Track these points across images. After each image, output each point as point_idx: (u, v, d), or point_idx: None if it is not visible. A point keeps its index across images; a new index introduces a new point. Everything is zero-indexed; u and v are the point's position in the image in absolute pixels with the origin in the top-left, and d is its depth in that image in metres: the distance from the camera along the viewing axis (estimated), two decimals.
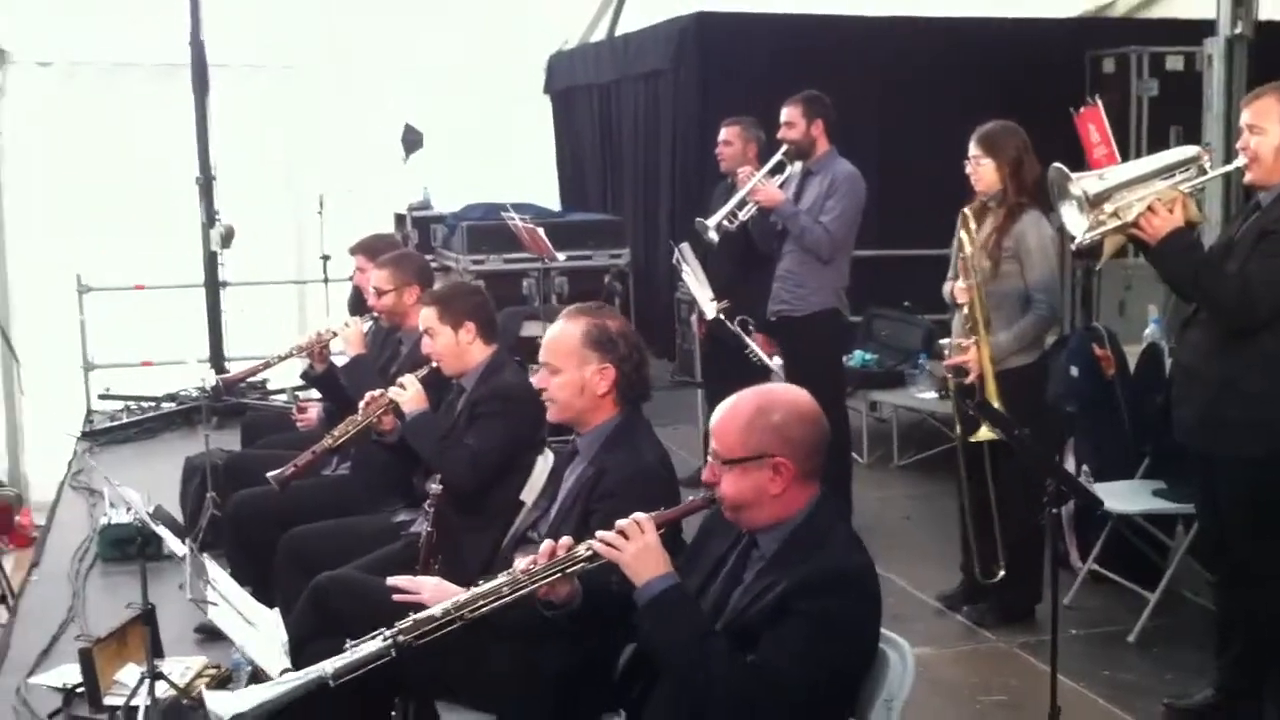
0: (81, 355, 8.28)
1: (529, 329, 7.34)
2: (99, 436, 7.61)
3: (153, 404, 8.09)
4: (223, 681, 4.23)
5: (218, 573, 3.12)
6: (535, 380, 3.29)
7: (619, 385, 3.23)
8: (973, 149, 4.88)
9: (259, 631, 2.85)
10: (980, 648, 4.88)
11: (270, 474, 4.11)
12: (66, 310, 8.47)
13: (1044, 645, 4.24)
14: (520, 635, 2.96)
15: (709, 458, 2.67)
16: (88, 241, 9.73)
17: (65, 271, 8.61)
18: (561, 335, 3.26)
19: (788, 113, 5.86)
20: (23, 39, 10.23)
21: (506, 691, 3.10)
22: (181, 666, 4.16)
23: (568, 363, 3.22)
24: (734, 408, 2.66)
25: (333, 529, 4.20)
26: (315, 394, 5.57)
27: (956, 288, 4.87)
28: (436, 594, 2.93)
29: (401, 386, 4.11)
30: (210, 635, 4.58)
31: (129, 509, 5.43)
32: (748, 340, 5.89)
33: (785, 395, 2.70)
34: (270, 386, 8.28)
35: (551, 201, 10.83)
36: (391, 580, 3.03)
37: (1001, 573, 4.89)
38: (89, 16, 10.02)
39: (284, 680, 2.52)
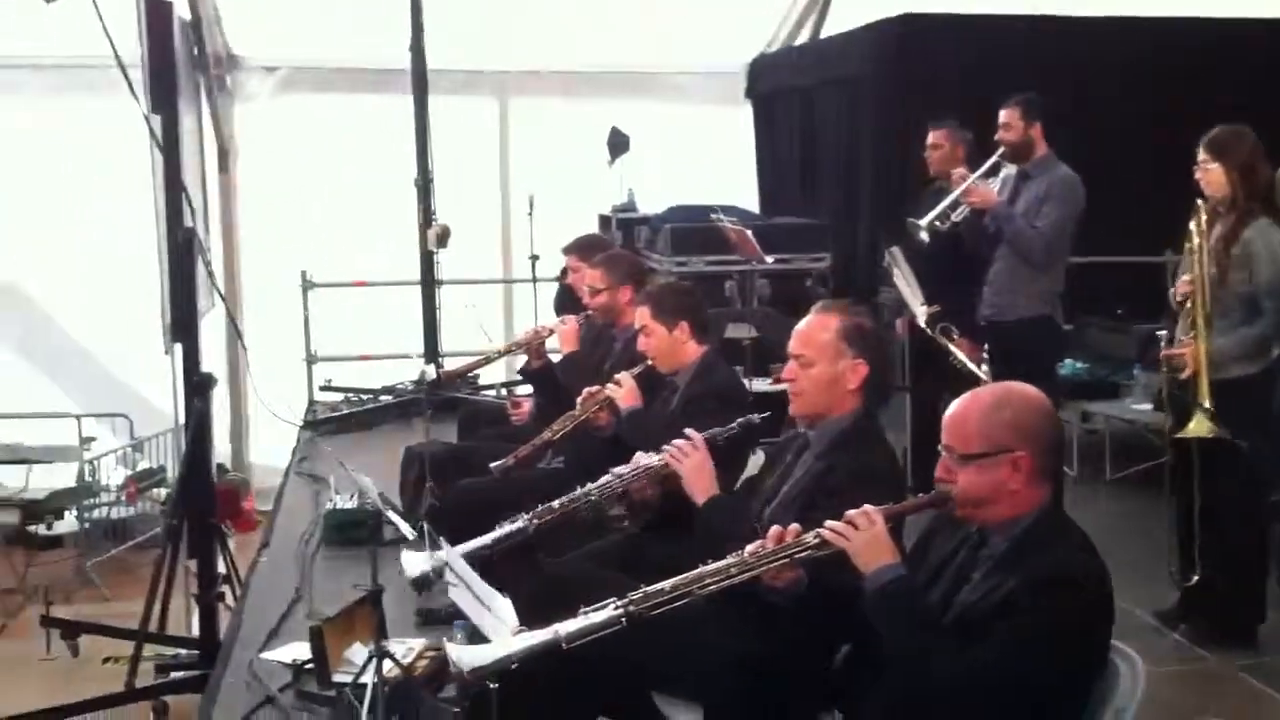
0: (305, 348, 8.67)
1: (733, 331, 7.40)
2: (320, 426, 7.94)
3: (371, 396, 8.42)
4: (442, 664, 4.39)
5: (454, 555, 3.26)
6: (784, 372, 3.35)
7: (867, 382, 3.27)
8: (1201, 154, 4.75)
9: (493, 613, 2.98)
10: (1198, 668, 4.74)
11: (493, 464, 4.26)
12: (292, 305, 8.89)
13: (1265, 667, 4.09)
14: (739, 623, 3.02)
15: (942, 454, 2.68)
16: (313, 239, 10.20)
17: (292, 268, 9.04)
18: (816, 328, 3.32)
19: (1005, 115, 5.79)
20: (252, 44, 10.78)
21: (719, 683, 3.15)
22: (404, 647, 4.32)
23: (821, 356, 3.27)
24: (971, 402, 2.67)
25: None
26: (525, 389, 5.74)
27: (1180, 280, 4.75)
28: (698, 468, 3.21)
29: (617, 383, 4.21)
30: (428, 619, 4.75)
31: (356, 495, 5.73)
32: (950, 347, 5.84)
33: (1022, 391, 2.70)
34: (480, 382, 8.52)
35: (752, 205, 10.88)
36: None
37: (1195, 577, 4.74)
38: (313, 22, 10.50)
39: (520, 639, 2.65)
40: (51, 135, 10.53)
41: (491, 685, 2.71)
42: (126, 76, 6.46)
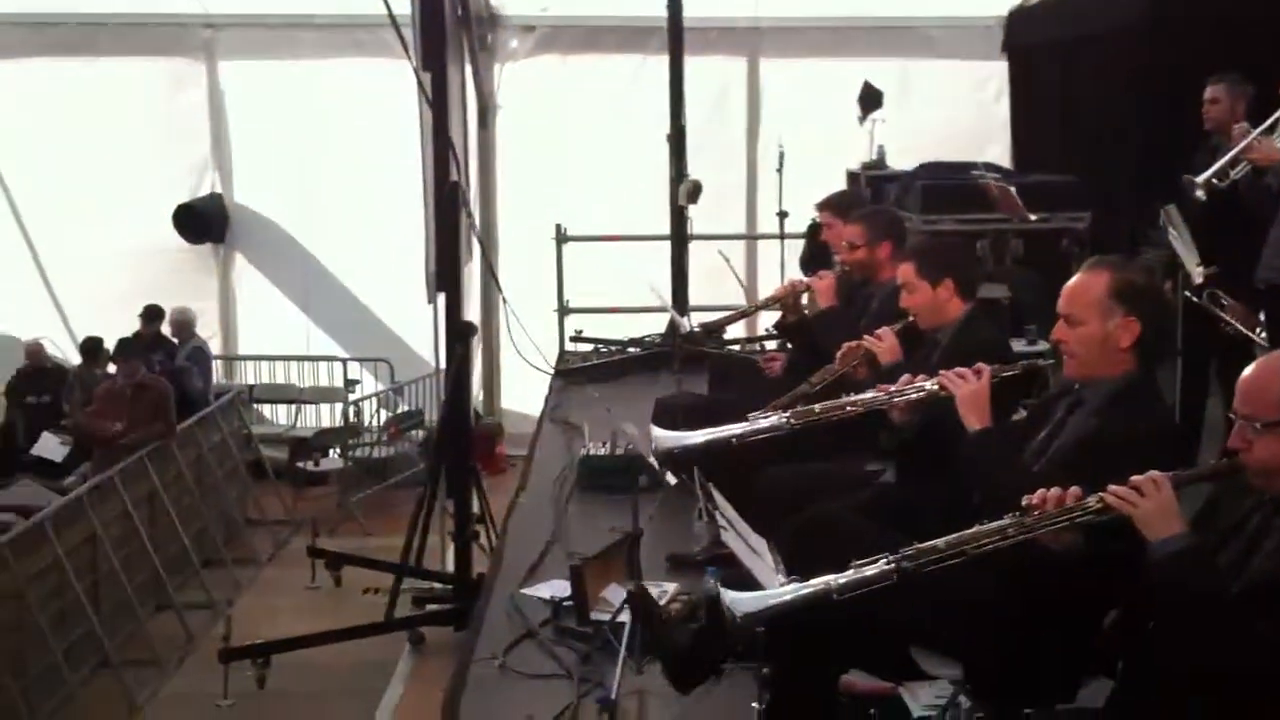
0: (557, 299, 8.91)
1: (986, 291, 7.22)
2: (571, 376, 8.16)
3: (619, 348, 8.60)
4: (693, 608, 4.48)
5: (722, 500, 3.33)
6: (1054, 333, 3.29)
7: (1141, 340, 3.17)
8: None
9: (760, 558, 3.04)
10: None
11: (751, 415, 4.29)
12: (546, 257, 9.15)
13: None
14: (1006, 582, 2.99)
15: (1234, 421, 2.58)
16: (567, 193, 10.45)
17: (546, 221, 9.29)
18: (1085, 287, 3.24)
19: None
20: (511, 3, 11.06)
21: (982, 641, 3.12)
22: (658, 590, 4.43)
23: (1090, 314, 3.19)
24: (1270, 368, 2.56)
25: (805, 472, 4.35)
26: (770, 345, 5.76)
27: None
28: (975, 395, 3.32)
29: (878, 338, 4.20)
30: (677, 564, 4.87)
31: (609, 443, 5.88)
32: (1219, 313, 5.59)
33: None
34: (725, 336, 8.57)
35: (1003, 162, 10.58)
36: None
37: None
38: None
39: (792, 588, 2.69)
40: (325, 92, 11.08)
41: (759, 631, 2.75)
42: (400, 35, 6.76)
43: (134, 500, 8.16)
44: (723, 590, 2.77)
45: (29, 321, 11.29)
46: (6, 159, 11.31)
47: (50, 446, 9.82)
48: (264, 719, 6.89)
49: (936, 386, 3.56)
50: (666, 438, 4.05)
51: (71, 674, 6.96)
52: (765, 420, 3.83)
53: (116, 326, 10.26)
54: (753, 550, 3.08)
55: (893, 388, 3.71)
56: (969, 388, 3.42)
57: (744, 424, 3.89)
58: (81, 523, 7.57)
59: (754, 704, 2.99)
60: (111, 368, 9.43)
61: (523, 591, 4.83)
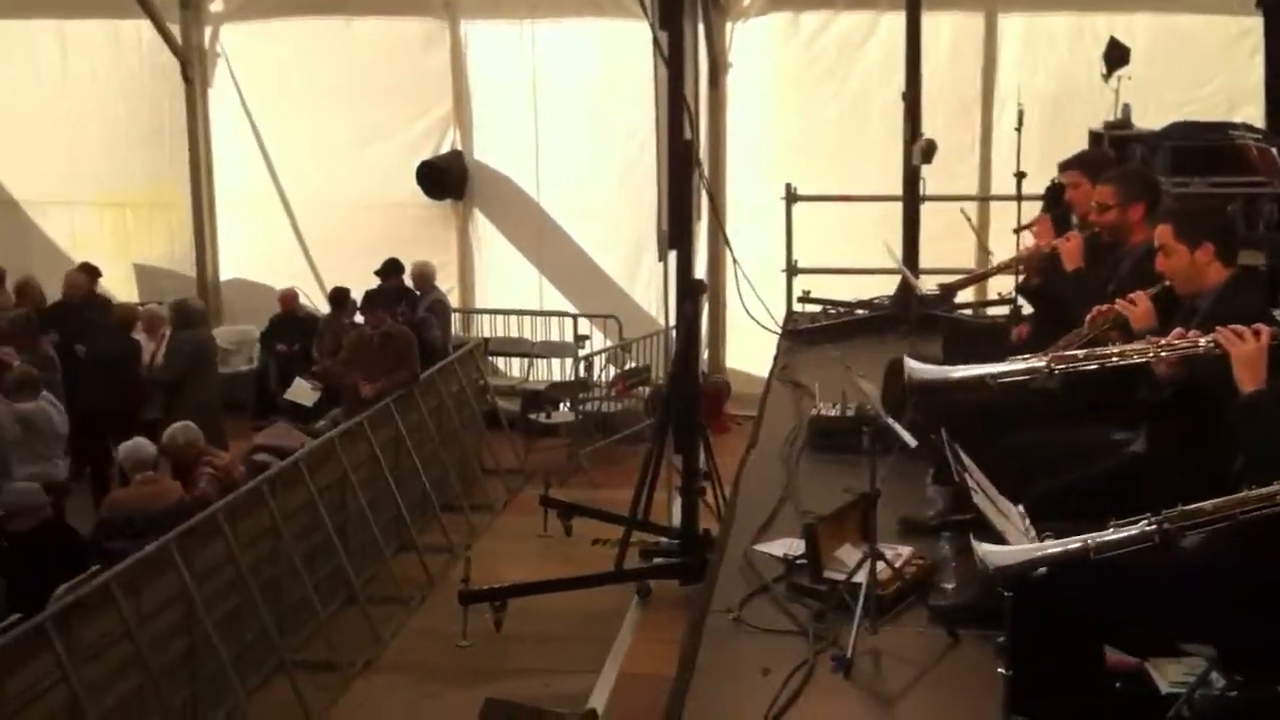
0: (786, 259, 8.90)
1: (1242, 258, 6.90)
2: (799, 336, 8.16)
3: (847, 309, 8.55)
4: (929, 572, 4.48)
5: (970, 463, 3.32)
6: None
7: None
8: None
9: (1009, 521, 3.01)
10: None
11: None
12: (775, 217, 9.13)
13: None
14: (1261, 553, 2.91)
15: None
16: (797, 153, 10.42)
17: (775, 181, 9.27)
18: None
19: None
20: None
21: (1236, 618, 3.03)
22: (893, 552, 4.44)
23: None
24: None
25: (1050, 440, 4.27)
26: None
27: None
28: (1254, 355, 3.28)
29: (1131, 303, 4.07)
30: (910, 529, 4.85)
31: (839, 404, 5.89)
32: None
33: None
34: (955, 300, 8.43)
35: (1256, 123, 10.03)
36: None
37: None
38: None
39: (1049, 544, 2.68)
40: (560, 51, 11.32)
41: (1006, 593, 2.75)
42: None
43: (380, 444, 8.56)
44: (974, 543, 2.77)
45: (282, 271, 11.95)
46: (264, 116, 11.95)
47: (302, 391, 10.38)
48: (500, 660, 7.14)
49: (1211, 343, 3.42)
50: (922, 370, 4.04)
51: (322, 606, 7.37)
52: (1024, 362, 3.77)
53: (361, 277, 10.73)
54: (1002, 513, 3.06)
55: (1162, 340, 3.59)
56: (1248, 347, 3.28)
57: (1002, 364, 3.83)
58: (332, 464, 7.98)
59: (1000, 670, 2.99)
60: (359, 317, 9.87)
61: (755, 548, 4.90)
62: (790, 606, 4.33)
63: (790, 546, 4.69)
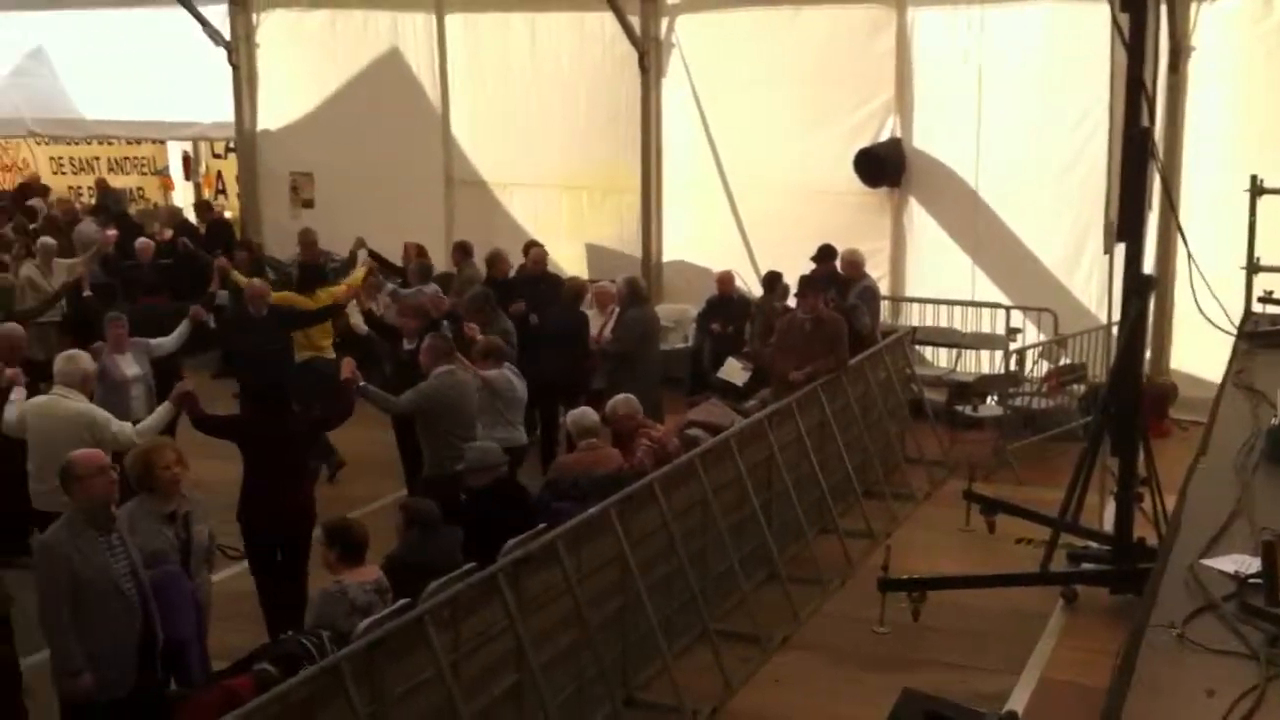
0: (1247, 256, 8.27)
1: None
2: (1259, 339, 7.57)
3: None
4: None
5: None
6: None
7: None
8: None
9: None
10: None
11: None
12: (1236, 210, 8.50)
13: None
14: None
15: None
16: (1261, 144, 9.69)
17: (1239, 172, 8.63)
18: None
19: None
20: None
21: None
22: None
23: None
24: None
25: None
26: None
27: None
28: None
29: None
30: None
31: None
32: None
33: None
34: None
35: None
36: None
37: None
38: None
39: None
40: (1011, 35, 11.04)
41: None
42: None
43: (807, 427, 8.70)
44: None
45: (719, 254, 12.35)
46: (711, 104, 12.41)
47: (734, 370, 10.71)
48: (916, 651, 7.12)
49: None
50: None
51: (745, 580, 7.59)
52: None
53: (793, 263, 10.92)
54: None
55: None
56: None
57: None
58: (760, 444, 8.19)
59: None
60: (790, 300, 10.04)
61: (1203, 562, 4.63)
62: (1240, 627, 4.07)
63: (1243, 564, 4.39)
